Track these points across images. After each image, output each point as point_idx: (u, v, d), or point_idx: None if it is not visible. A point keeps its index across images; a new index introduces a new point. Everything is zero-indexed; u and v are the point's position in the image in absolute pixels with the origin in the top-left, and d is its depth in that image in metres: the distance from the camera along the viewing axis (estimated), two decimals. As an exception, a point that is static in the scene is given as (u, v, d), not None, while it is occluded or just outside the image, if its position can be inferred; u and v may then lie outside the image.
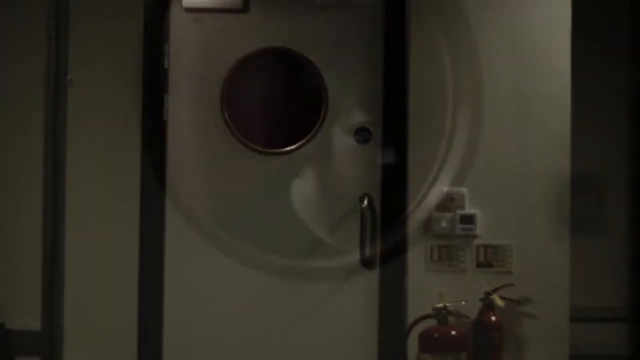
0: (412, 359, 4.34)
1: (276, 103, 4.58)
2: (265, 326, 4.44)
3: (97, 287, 4.43)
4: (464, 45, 4.39)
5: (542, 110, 4.38)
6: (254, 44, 4.51)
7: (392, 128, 4.44)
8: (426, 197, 4.40)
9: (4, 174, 4.46)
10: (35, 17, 4.46)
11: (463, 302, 4.28)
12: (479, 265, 4.40)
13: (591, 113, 4.62)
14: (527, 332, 4.36)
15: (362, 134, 4.49)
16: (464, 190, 4.40)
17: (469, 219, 4.39)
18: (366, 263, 4.33)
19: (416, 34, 4.42)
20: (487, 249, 4.40)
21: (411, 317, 4.34)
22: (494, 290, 4.29)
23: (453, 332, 4.24)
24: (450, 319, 4.26)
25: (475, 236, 4.40)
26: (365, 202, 4.34)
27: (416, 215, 4.41)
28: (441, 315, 4.24)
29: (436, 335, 4.23)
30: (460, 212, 4.39)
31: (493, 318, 4.28)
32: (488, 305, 4.29)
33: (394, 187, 4.42)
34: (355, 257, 4.36)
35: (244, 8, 4.50)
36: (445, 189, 4.40)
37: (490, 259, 4.40)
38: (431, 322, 4.27)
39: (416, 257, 4.40)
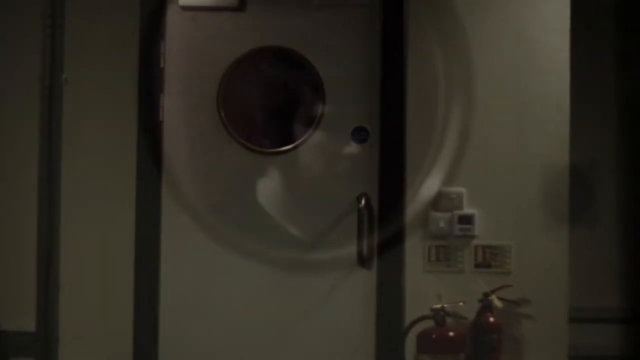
0: (410, 360, 4.34)
1: (273, 102, 4.56)
2: (262, 326, 4.43)
3: (92, 288, 4.42)
4: (462, 45, 4.38)
5: (541, 110, 4.36)
6: (251, 43, 4.50)
7: (390, 127, 4.43)
8: (424, 197, 4.39)
9: (-1, 174, 4.46)
10: (30, 15, 4.45)
11: (461, 303, 4.27)
12: (477, 265, 4.39)
13: (590, 113, 4.61)
14: (526, 333, 4.35)
15: (359, 134, 4.47)
16: (462, 190, 4.38)
17: (467, 219, 4.38)
18: (363, 263, 4.33)
19: (414, 33, 4.41)
20: (486, 249, 4.38)
21: (409, 318, 4.33)
22: (493, 291, 4.28)
23: (451, 333, 4.23)
24: (448, 320, 4.25)
25: (473, 236, 4.39)
26: (363, 201, 4.34)
27: (414, 215, 4.39)
28: (439, 316, 4.24)
29: (434, 336, 4.22)
30: (458, 212, 4.38)
31: (491, 319, 4.27)
32: (486, 306, 4.28)
33: (391, 187, 4.41)
34: (352, 257, 4.35)
35: (241, 6, 4.49)
36: (443, 188, 4.39)
37: (488, 259, 4.38)
38: (429, 323, 4.26)
39: (414, 257, 4.39)
